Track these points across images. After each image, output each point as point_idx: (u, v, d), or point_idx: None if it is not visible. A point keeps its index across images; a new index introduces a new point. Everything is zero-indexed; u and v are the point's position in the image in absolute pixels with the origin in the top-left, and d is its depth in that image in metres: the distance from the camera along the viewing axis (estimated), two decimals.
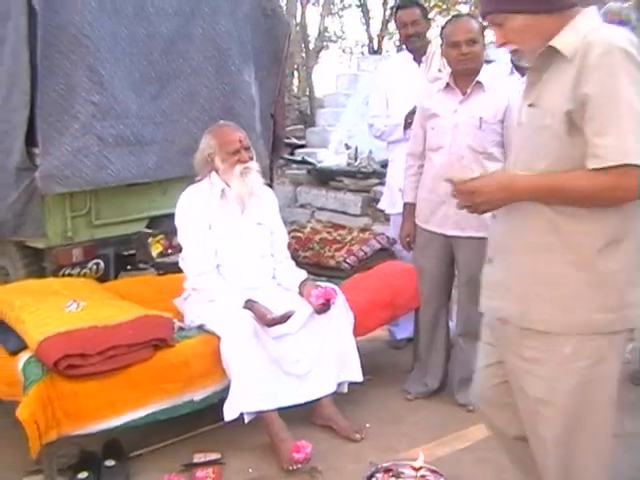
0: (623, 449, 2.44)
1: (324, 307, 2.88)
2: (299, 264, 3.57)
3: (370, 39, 13.38)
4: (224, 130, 2.99)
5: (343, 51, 17.46)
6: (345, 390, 3.02)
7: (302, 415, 2.92)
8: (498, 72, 3.27)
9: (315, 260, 3.54)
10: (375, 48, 13.04)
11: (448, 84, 3.06)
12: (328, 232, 3.70)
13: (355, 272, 3.42)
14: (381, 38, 13.32)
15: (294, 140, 7.23)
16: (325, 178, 5.88)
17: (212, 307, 2.84)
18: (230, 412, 2.66)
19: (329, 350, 2.93)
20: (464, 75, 3.01)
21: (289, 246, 3.61)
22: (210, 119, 3.66)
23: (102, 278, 3.50)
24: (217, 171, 2.97)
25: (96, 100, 3.19)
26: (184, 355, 2.66)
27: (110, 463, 2.58)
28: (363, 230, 3.78)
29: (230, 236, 2.98)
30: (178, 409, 2.65)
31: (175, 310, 3.00)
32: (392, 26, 15.08)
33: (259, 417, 2.72)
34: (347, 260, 3.44)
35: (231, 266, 2.96)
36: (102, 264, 3.51)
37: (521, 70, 3.69)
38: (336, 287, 3.02)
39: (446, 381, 3.33)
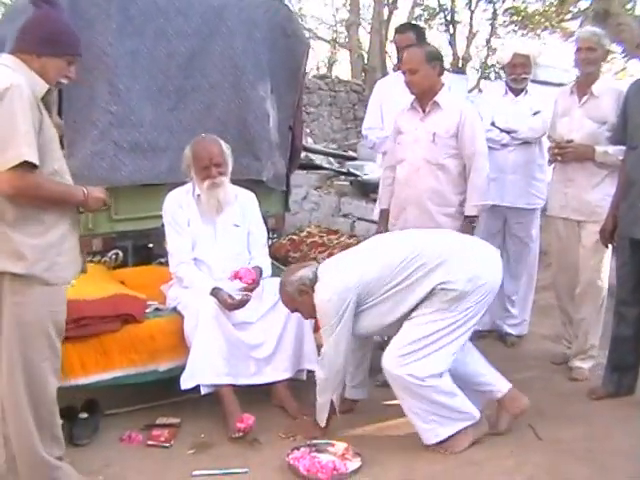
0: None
1: (248, 286, 3.20)
2: (288, 263, 3.93)
3: (454, 56, 13.37)
4: (200, 145, 3.31)
5: None
6: (304, 378, 3.32)
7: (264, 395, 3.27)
8: (452, 94, 3.52)
9: (301, 261, 3.87)
10: (459, 66, 13.08)
11: (412, 105, 3.37)
12: (320, 236, 4.02)
13: None
14: (465, 60, 13.32)
15: (351, 153, 7.55)
16: (366, 190, 6.16)
17: (185, 292, 3.25)
18: (185, 382, 3.03)
19: (288, 340, 3.25)
20: (420, 98, 3.33)
21: (283, 247, 3.97)
22: (225, 130, 4.09)
23: (122, 266, 4.00)
24: (194, 180, 3.35)
25: (113, 110, 3.69)
26: (150, 330, 3.10)
27: (84, 415, 3.03)
28: (352, 236, 4.07)
29: (206, 234, 3.37)
30: (143, 376, 3.08)
31: (163, 294, 3.44)
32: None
33: (216, 391, 3.08)
34: None
35: (207, 261, 3.35)
36: (121, 254, 4.01)
37: (515, 91, 3.90)
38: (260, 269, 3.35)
39: None
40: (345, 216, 6.40)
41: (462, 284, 2.77)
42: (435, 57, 3.31)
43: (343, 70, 15.10)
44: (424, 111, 3.36)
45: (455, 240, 3.00)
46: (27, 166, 2.19)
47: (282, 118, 4.46)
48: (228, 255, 3.38)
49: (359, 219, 6.22)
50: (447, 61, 13.87)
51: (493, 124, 3.95)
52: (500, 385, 3.03)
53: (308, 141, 8.23)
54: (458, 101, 3.43)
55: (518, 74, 3.90)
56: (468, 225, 3.36)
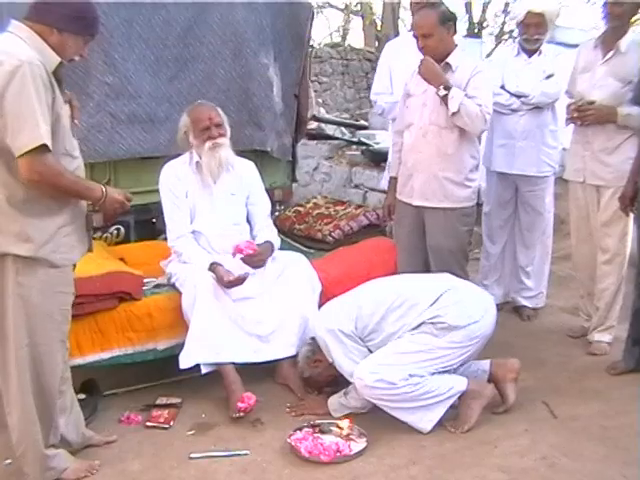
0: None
1: (249, 258, 3.10)
2: (294, 236, 3.81)
3: (470, 21, 12.91)
4: (198, 109, 3.24)
5: None
6: None
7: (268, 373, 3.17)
8: (465, 54, 3.29)
9: (306, 233, 3.75)
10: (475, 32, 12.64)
11: None
12: (327, 207, 3.88)
13: (339, 245, 3.59)
14: (481, 24, 12.87)
15: (362, 122, 7.34)
16: (378, 159, 5.96)
17: (183, 267, 3.14)
18: (184, 361, 2.93)
19: (291, 315, 3.13)
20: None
21: (288, 220, 3.84)
22: (227, 99, 3.97)
23: (124, 242, 3.90)
24: (193, 146, 3.24)
25: (109, 81, 3.56)
26: (148, 308, 3.00)
27: (82, 396, 2.93)
28: (359, 207, 3.92)
29: (204, 204, 3.25)
30: (141, 355, 2.99)
31: (162, 270, 3.33)
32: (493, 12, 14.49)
33: (217, 369, 2.99)
34: (332, 234, 3.62)
35: (205, 232, 3.24)
36: (122, 230, 3.91)
37: (528, 52, 3.69)
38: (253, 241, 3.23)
39: None
40: (357, 187, 6.23)
41: (452, 319, 2.73)
42: (449, 18, 3.08)
43: (357, 39, 14.69)
44: None
45: (451, 282, 2.93)
46: (45, 149, 2.10)
47: (287, 86, 4.31)
48: (225, 225, 3.27)
49: (371, 190, 6.05)
50: (463, 27, 13.47)
51: (503, 87, 3.74)
52: (480, 363, 2.93)
53: (320, 111, 8.03)
54: (471, 60, 3.21)
55: (531, 34, 3.67)
56: (440, 74, 3.06)
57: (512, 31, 13.39)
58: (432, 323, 2.74)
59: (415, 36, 3.14)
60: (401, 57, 3.76)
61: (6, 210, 2.17)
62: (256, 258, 3.13)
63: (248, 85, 4.04)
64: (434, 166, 3.15)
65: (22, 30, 2.18)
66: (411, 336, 2.75)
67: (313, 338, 2.95)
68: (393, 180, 3.46)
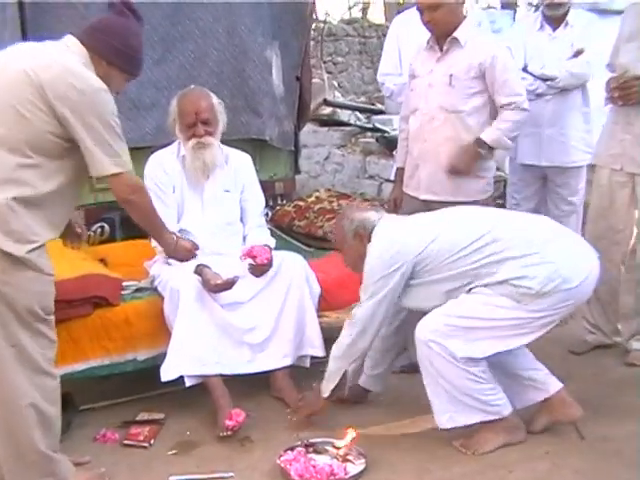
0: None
1: (259, 268, 2.79)
2: (293, 233, 3.51)
3: None
4: (186, 99, 2.91)
5: None
6: (307, 364, 2.93)
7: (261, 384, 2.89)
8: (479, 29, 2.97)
9: (307, 230, 3.47)
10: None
11: (429, 43, 2.88)
12: (330, 202, 3.57)
13: None
14: None
15: (379, 106, 6.94)
16: (394, 147, 5.59)
17: (167, 269, 2.85)
18: (166, 373, 2.66)
19: (287, 322, 2.85)
20: (439, 35, 2.83)
21: (287, 215, 3.54)
22: (220, 82, 3.68)
23: (109, 241, 3.61)
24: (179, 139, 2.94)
25: None
26: (125, 314, 2.72)
27: None
28: (366, 200, 3.61)
29: (193, 201, 2.97)
30: (119, 366, 2.72)
31: (146, 272, 3.05)
32: None
33: (204, 382, 2.71)
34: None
35: (194, 232, 2.93)
36: (107, 227, 3.62)
37: (551, 23, 3.30)
38: (270, 247, 2.93)
39: None
40: (371, 177, 5.89)
41: (540, 284, 2.30)
42: None
43: (378, 14, 13.91)
44: (442, 50, 2.83)
45: (548, 229, 2.51)
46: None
47: (287, 67, 4.00)
48: (217, 225, 2.97)
49: (387, 180, 5.70)
50: None
51: (525, 69, 3.34)
52: (548, 384, 2.54)
53: (335, 95, 7.67)
54: (484, 38, 2.89)
55: None
56: (473, 148, 2.80)
57: None
58: (514, 286, 2.33)
59: (419, 9, 2.80)
60: (412, 32, 3.39)
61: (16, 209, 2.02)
62: (265, 269, 2.83)
63: (244, 66, 3.73)
64: (442, 156, 2.82)
65: (83, 55, 2.14)
66: (488, 297, 2.36)
67: None
68: (400, 171, 3.14)
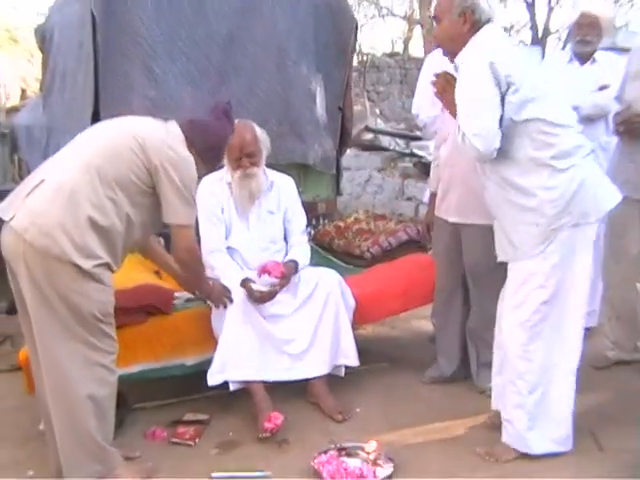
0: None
1: (279, 280, 3.01)
2: (333, 251, 3.73)
3: (535, 26, 12.28)
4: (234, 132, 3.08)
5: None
6: (342, 374, 3.13)
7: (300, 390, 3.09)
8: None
9: (345, 248, 3.66)
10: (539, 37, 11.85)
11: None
12: (367, 222, 3.77)
13: (377, 262, 3.49)
14: (547, 30, 12.02)
15: (417, 132, 7.18)
16: (430, 171, 5.81)
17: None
18: (212, 378, 2.89)
19: (324, 333, 3.04)
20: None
21: (328, 234, 3.76)
22: (268, 111, 3.94)
23: None
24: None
25: (151, 96, 3.58)
26: (176, 322, 2.96)
27: None
28: (400, 221, 3.80)
29: (240, 222, 3.22)
30: (168, 370, 2.94)
31: None
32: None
33: (247, 387, 2.92)
34: (370, 250, 3.52)
35: (240, 249, 3.20)
36: (162, 241, 3.89)
37: (581, 58, 3.48)
38: (294, 262, 3.15)
39: (464, 367, 3.28)
40: (409, 199, 6.11)
41: None
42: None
43: (419, 49, 14.42)
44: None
45: None
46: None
47: (330, 97, 4.26)
48: (262, 243, 3.22)
49: (423, 203, 5.91)
50: (526, 33, 12.79)
51: None
52: None
53: (377, 122, 7.92)
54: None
55: (583, 35, 3.47)
56: None
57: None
58: None
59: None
60: (444, 67, 3.60)
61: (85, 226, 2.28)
62: (283, 282, 3.05)
63: (290, 96, 4.00)
64: (471, 181, 2.99)
65: (180, 136, 2.49)
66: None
67: None
68: (432, 196, 3.33)
